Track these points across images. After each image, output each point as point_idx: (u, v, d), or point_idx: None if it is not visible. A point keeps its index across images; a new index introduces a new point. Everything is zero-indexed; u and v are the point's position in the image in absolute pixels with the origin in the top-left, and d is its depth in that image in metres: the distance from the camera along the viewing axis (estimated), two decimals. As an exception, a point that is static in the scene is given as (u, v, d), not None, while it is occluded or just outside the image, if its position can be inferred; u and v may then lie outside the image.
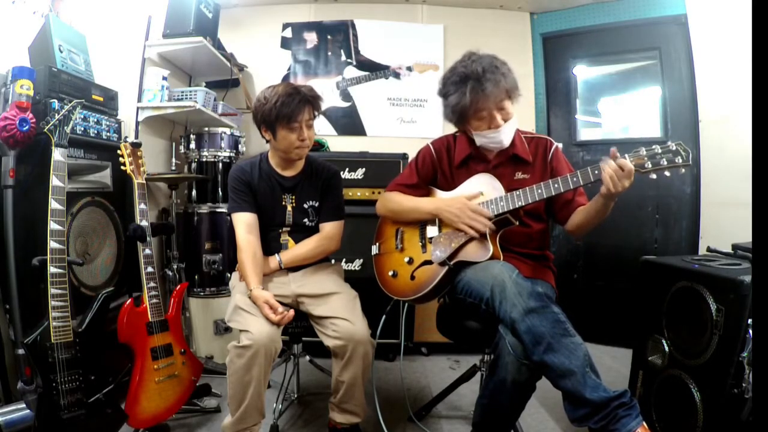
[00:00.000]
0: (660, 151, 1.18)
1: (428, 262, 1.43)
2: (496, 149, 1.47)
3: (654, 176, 1.20)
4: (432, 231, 1.46)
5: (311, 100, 1.51)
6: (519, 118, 1.56)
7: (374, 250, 1.63)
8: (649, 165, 1.18)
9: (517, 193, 1.33)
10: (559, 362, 1.12)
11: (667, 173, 1.18)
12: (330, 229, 1.65)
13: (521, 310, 1.16)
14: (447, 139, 1.58)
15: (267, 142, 1.61)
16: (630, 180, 1.19)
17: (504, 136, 1.41)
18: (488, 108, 1.36)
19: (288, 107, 1.46)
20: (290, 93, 1.48)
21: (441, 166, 1.56)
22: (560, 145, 1.53)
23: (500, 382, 1.24)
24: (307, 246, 1.62)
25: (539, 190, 1.30)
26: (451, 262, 1.37)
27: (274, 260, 1.60)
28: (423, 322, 2.42)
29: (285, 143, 1.52)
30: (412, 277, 1.45)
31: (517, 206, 1.33)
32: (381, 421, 1.59)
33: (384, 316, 1.69)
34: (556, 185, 1.28)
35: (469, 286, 1.33)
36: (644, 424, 1.08)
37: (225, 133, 2.39)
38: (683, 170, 1.17)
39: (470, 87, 1.33)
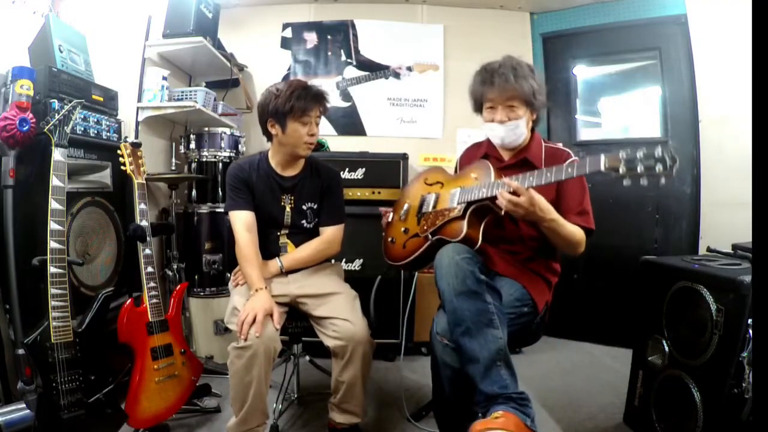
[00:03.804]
0: (641, 156, 1.01)
1: (418, 235, 1.50)
2: (497, 144, 1.48)
3: (627, 182, 1.04)
4: (427, 207, 1.51)
5: (322, 97, 1.55)
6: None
7: (391, 217, 1.68)
8: (623, 170, 1.04)
9: (499, 182, 1.27)
10: (470, 347, 1.15)
11: (643, 181, 1.02)
12: (330, 233, 1.65)
13: (452, 290, 1.20)
14: (477, 143, 1.64)
15: (269, 140, 1.61)
16: (524, 207, 1.18)
17: (505, 133, 1.41)
18: (494, 100, 1.40)
19: (303, 100, 1.49)
20: (305, 87, 1.52)
21: (462, 165, 1.64)
22: (577, 159, 1.41)
23: (434, 362, 1.32)
24: (307, 250, 1.63)
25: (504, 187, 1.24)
26: (433, 238, 1.41)
27: (275, 264, 1.60)
28: (423, 322, 2.42)
29: (295, 137, 1.52)
30: (404, 246, 1.53)
31: (485, 196, 1.29)
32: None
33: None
34: (531, 178, 1.22)
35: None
36: (498, 413, 1.05)
37: (225, 133, 2.39)
38: (663, 180, 1.01)
39: (482, 78, 1.42)
